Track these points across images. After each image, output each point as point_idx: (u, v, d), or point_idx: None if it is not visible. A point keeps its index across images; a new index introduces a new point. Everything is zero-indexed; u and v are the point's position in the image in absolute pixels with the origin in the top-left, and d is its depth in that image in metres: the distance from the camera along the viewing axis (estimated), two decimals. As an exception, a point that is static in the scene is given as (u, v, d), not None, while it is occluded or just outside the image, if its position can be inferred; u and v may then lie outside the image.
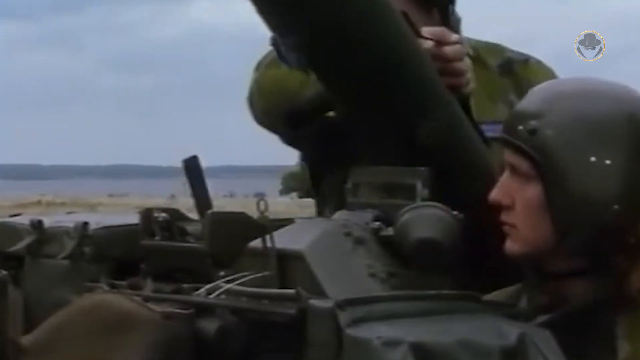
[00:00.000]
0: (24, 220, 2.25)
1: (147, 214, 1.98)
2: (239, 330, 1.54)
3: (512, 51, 2.50)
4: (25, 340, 1.66)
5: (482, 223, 1.80)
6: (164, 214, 1.96)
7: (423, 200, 1.75)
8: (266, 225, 1.61)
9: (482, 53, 2.43)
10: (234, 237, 1.78)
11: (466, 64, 2.14)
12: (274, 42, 2.01)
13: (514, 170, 1.82)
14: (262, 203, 1.60)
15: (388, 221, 1.71)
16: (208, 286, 1.65)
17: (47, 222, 2.18)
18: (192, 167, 1.97)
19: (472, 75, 2.17)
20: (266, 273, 1.62)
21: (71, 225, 2.11)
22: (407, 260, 1.67)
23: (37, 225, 2.16)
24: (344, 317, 1.43)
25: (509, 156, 1.83)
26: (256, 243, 1.67)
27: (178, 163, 1.98)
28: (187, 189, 1.97)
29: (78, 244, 2.08)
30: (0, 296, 1.80)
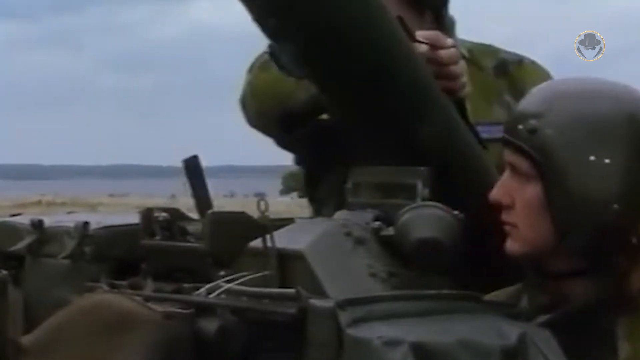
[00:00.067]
0: (24, 220, 2.25)
1: (147, 213, 1.98)
2: (239, 329, 1.54)
3: (506, 52, 2.50)
4: (25, 340, 1.65)
5: (482, 223, 1.80)
6: (164, 214, 1.96)
7: (423, 200, 1.75)
8: (266, 225, 1.61)
9: (476, 55, 2.43)
10: (234, 237, 1.78)
11: (461, 67, 2.14)
12: (273, 52, 2.01)
13: (514, 169, 1.82)
14: (262, 203, 1.60)
15: (388, 221, 1.71)
16: (208, 286, 1.65)
17: (48, 221, 2.17)
18: (192, 167, 1.97)
19: (467, 78, 2.16)
20: (266, 273, 1.61)
21: (71, 225, 2.11)
22: (408, 260, 1.67)
23: (37, 225, 2.16)
24: (344, 316, 1.42)
25: (509, 156, 1.83)
26: (256, 243, 1.67)
27: (178, 163, 1.98)
28: (187, 189, 1.97)
29: (78, 243, 2.07)
30: (1, 296, 1.80)
